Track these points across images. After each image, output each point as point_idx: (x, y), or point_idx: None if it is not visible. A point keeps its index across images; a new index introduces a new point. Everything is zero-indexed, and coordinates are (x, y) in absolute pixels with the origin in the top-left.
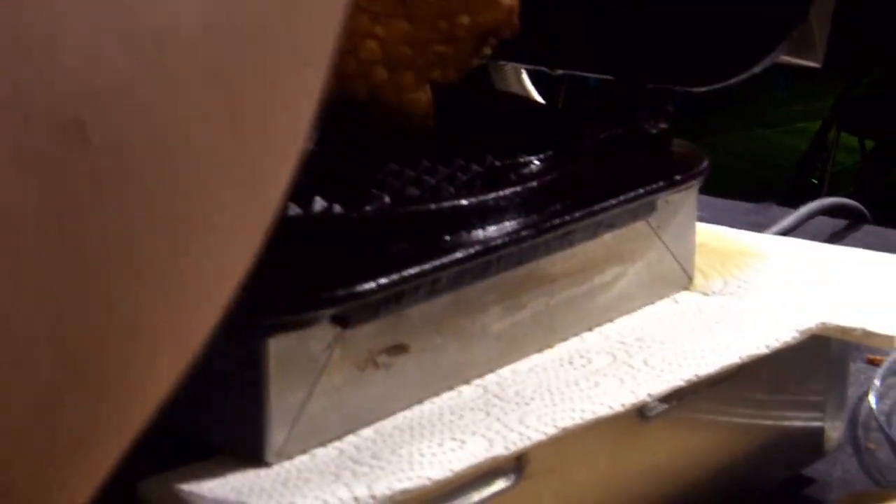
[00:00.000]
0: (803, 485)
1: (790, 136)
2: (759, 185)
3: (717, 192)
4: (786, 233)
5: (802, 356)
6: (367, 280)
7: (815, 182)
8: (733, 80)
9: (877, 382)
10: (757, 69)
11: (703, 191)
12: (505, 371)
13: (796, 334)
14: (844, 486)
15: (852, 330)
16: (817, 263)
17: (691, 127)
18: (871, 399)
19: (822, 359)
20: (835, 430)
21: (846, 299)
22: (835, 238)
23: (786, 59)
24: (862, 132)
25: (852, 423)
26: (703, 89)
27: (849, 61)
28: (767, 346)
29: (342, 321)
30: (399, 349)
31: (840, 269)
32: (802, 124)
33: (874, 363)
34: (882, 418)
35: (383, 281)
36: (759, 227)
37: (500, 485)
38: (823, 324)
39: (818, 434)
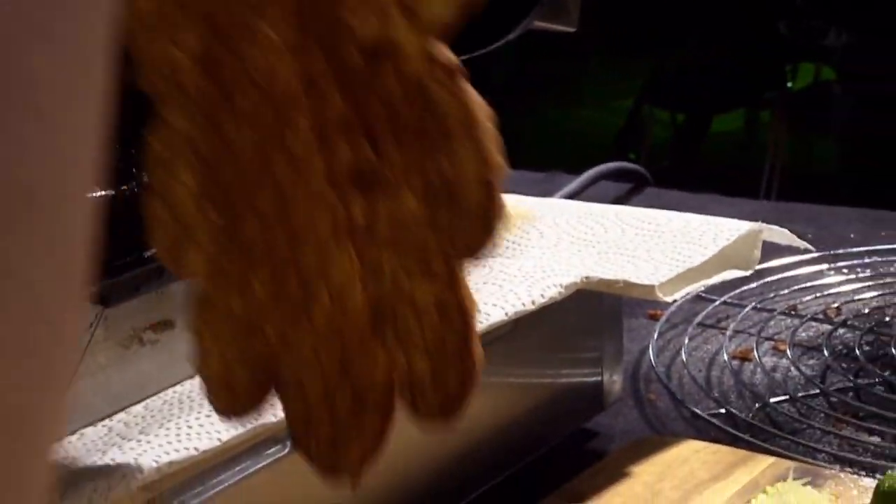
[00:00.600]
0: (587, 438)
1: (607, 114)
2: (580, 163)
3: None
4: (570, 197)
5: (577, 312)
6: (124, 257)
7: (634, 157)
8: (489, 48)
9: (655, 336)
10: (512, 36)
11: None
12: None
13: (561, 289)
14: (627, 436)
15: (615, 282)
16: (586, 222)
17: (512, 106)
18: (651, 352)
19: (597, 315)
20: (614, 384)
21: (611, 254)
22: (618, 201)
23: (540, 24)
24: (673, 107)
25: (633, 377)
26: (461, 58)
27: (657, 38)
28: (534, 303)
29: (102, 299)
30: (164, 325)
31: (607, 227)
32: (618, 102)
33: (654, 318)
34: (661, 370)
35: (141, 257)
36: (547, 194)
37: (272, 453)
38: (587, 278)
39: (598, 388)
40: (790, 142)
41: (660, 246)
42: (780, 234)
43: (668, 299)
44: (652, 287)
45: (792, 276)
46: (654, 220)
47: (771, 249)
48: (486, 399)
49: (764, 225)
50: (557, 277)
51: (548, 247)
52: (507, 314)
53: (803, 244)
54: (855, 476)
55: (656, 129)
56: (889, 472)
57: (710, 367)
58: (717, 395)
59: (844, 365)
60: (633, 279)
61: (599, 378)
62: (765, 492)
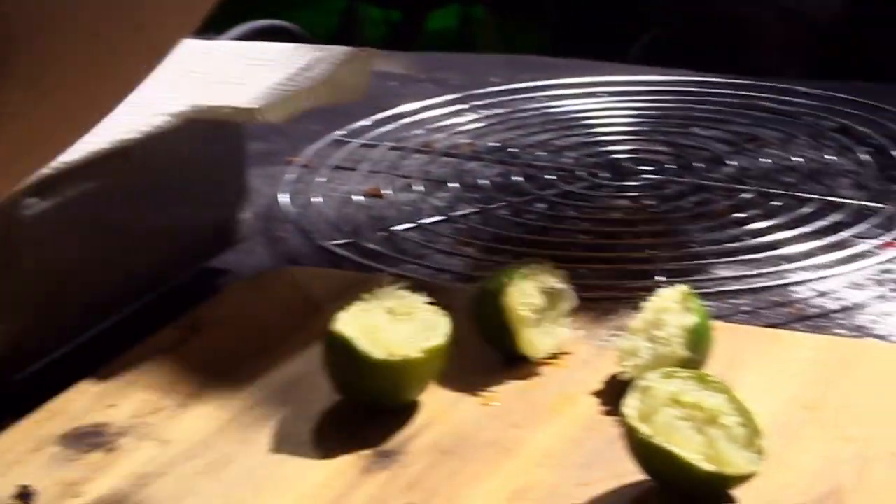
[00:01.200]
0: (215, 275)
1: (323, 16)
2: None
3: None
4: None
5: (195, 149)
6: None
7: None
8: None
9: (289, 178)
10: None
11: None
12: None
13: (169, 118)
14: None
15: (221, 108)
16: (198, 55)
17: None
18: (283, 192)
19: (217, 151)
20: (241, 222)
21: (221, 84)
22: None
23: None
24: (386, 4)
25: (266, 217)
26: None
27: None
28: (140, 132)
29: None
30: None
31: (218, 59)
32: (331, 3)
33: (292, 163)
34: (295, 210)
35: None
36: None
37: None
38: (195, 106)
39: (224, 226)
40: (503, 36)
41: (268, 74)
42: (395, 61)
43: (274, 120)
44: (255, 110)
45: (429, 117)
46: (265, 50)
47: (410, 92)
48: (99, 237)
49: (372, 50)
50: (164, 106)
51: (156, 80)
52: (110, 143)
53: (408, 71)
54: (467, 288)
55: (370, 28)
56: (485, 279)
57: (344, 205)
58: (347, 229)
59: (473, 195)
60: (239, 104)
61: (224, 216)
62: (364, 299)
